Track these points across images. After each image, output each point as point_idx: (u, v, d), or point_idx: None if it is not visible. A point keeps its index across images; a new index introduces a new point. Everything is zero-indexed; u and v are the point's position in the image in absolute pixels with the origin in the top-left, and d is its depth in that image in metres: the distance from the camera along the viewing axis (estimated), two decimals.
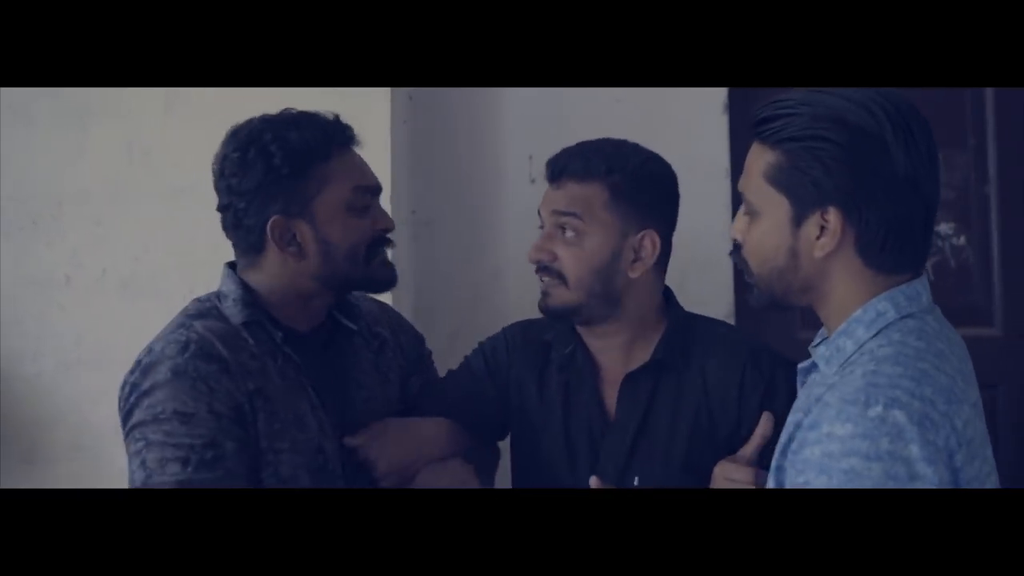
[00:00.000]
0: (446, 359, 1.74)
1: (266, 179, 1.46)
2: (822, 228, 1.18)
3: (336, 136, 1.50)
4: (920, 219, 1.20)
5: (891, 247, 1.20)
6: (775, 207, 1.22)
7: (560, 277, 1.48)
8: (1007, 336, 2.47)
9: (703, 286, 2.12)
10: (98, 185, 2.09)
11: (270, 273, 1.50)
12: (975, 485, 1.16)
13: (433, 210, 2.26)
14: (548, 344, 1.59)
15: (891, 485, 1.09)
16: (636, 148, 1.55)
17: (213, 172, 1.53)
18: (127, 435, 1.45)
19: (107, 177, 2.09)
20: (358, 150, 1.56)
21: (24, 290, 2.10)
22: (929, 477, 1.08)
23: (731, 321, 2.20)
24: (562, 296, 1.48)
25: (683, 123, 2.26)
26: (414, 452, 1.51)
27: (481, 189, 2.31)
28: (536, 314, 1.65)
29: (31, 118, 2.09)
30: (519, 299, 2.12)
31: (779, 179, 1.21)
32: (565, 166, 1.52)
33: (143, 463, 1.39)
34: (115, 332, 2.08)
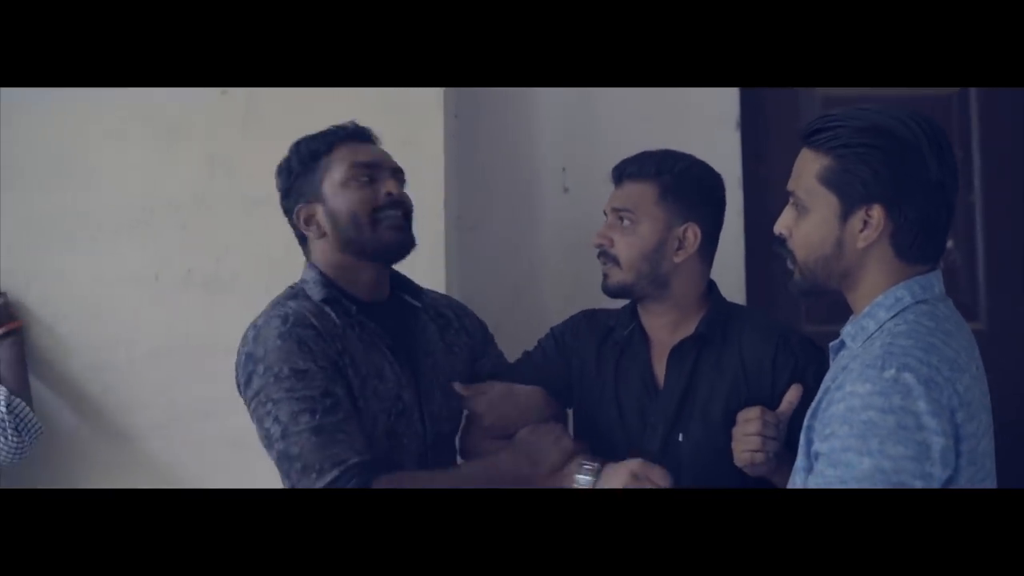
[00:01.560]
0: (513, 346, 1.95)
1: (288, 181, 1.74)
2: (865, 222, 1.37)
3: (339, 133, 1.73)
4: (944, 218, 1.39)
5: (920, 241, 1.39)
6: (825, 204, 1.41)
7: (615, 261, 1.73)
8: (991, 329, 2.59)
9: (719, 282, 2.28)
10: (184, 195, 2.26)
11: (319, 256, 1.74)
12: (973, 441, 1.33)
13: (477, 216, 2.41)
14: (610, 327, 1.81)
15: (902, 435, 1.26)
16: (684, 156, 1.78)
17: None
18: (251, 400, 1.64)
19: (192, 188, 2.26)
20: (411, 156, 1.77)
21: (120, 286, 2.27)
22: (933, 427, 1.26)
23: None
24: (617, 276, 1.73)
25: (701, 140, 2.30)
26: (515, 412, 1.73)
27: (520, 198, 2.47)
28: (567, 308, 1.89)
29: (125, 136, 2.27)
30: (553, 295, 2.33)
31: (831, 179, 1.40)
32: (624, 169, 1.77)
33: (277, 419, 1.58)
34: (198, 323, 2.27)
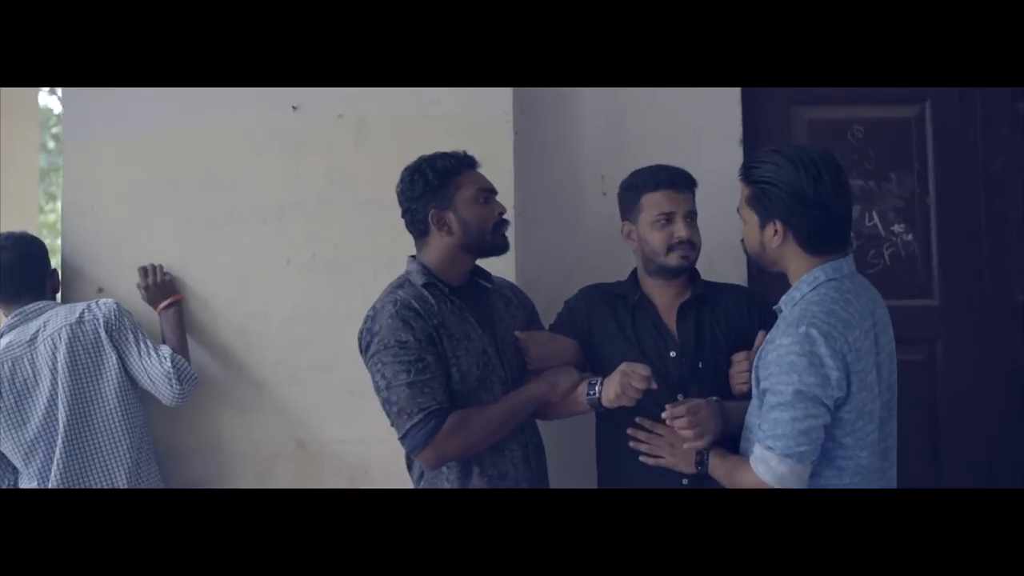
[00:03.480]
0: (545, 320, 2.37)
1: (425, 189, 2.11)
2: (775, 231, 1.85)
3: (463, 160, 2.16)
4: (832, 224, 1.83)
5: (815, 240, 1.84)
6: (751, 218, 1.92)
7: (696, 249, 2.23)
8: (942, 305, 2.93)
9: (725, 267, 2.59)
10: (310, 197, 2.61)
11: (434, 248, 2.14)
12: (862, 375, 1.76)
13: (534, 212, 2.69)
14: (616, 294, 2.29)
15: (811, 370, 1.72)
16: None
17: (397, 194, 2.18)
18: (368, 360, 2.07)
19: (315, 191, 2.61)
20: (486, 169, 2.18)
21: (258, 268, 2.62)
22: (831, 365, 1.73)
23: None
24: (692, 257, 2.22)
25: (711, 154, 2.73)
26: (553, 355, 2.20)
27: (568, 199, 2.78)
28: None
29: (264, 150, 2.62)
30: (594, 278, 2.48)
31: (752, 203, 1.91)
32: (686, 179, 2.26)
33: (383, 375, 2.03)
34: (320, 298, 2.60)
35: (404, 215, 2.18)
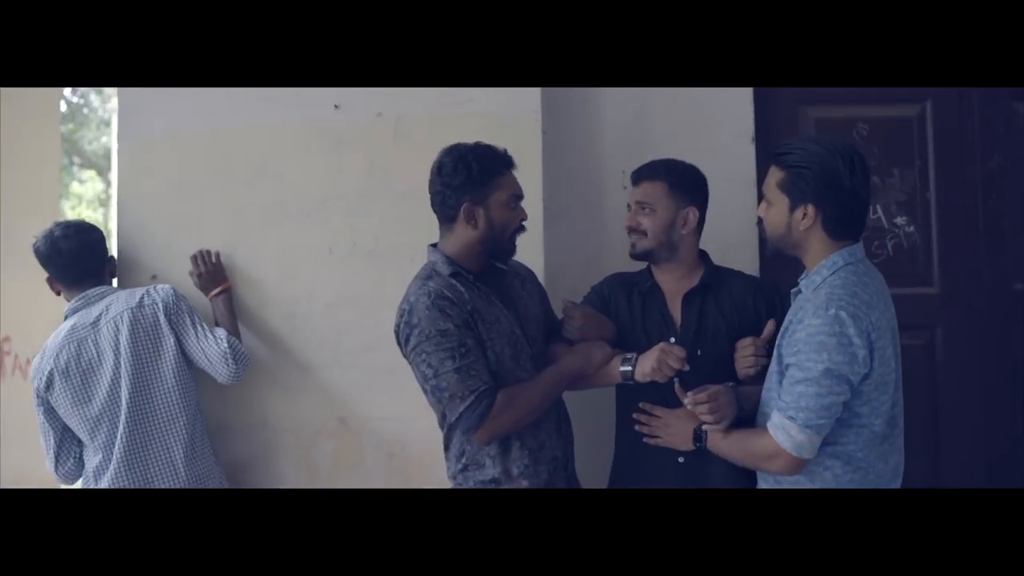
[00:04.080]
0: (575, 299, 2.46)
1: (467, 179, 2.16)
2: (804, 214, 1.96)
3: (505, 160, 2.23)
4: (857, 211, 1.96)
5: (841, 225, 1.96)
6: (781, 201, 2.02)
7: (643, 234, 2.34)
8: (941, 293, 3.07)
9: (737, 256, 2.69)
10: (350, 190, 2.75)
11: (457, 237, 2.19)
12: (881, 351, 1.88)
13: (560, 205, 2.83)
14: (633, 282, 2.42)
15: (840, 348, 1.83)
16: (682, 162, 2.37)
17: (432, 171, 2.22)
18: (410, 353, 2.13)
19: (356, 184, 2.75)
20: (520, 171, 2.25)
21: (302, 256, 2.75)
22: (858, 344, 1.85)
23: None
24: (642, 243, 2.33)
25: (724, 151, 2.88)
26: (591, 328, 2.31)
27: (590, 192, 2.92)
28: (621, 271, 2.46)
29: (308, 147, 2.75)
30: (615, 266, 2.61)
31: (784, 186, 2.01)
32: (641, 173, 2.39)
33: (429, 364, 2.09)
34: (361, 284, 2.74)
35: (435, 196, 2.22)
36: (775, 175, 2.03)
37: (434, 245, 2.28)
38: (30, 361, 6.15)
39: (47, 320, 6.57)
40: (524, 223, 2.25)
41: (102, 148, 15.22)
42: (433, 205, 2.24)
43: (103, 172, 15.51)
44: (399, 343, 2.19)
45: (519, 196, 2.24)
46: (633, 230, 2.37)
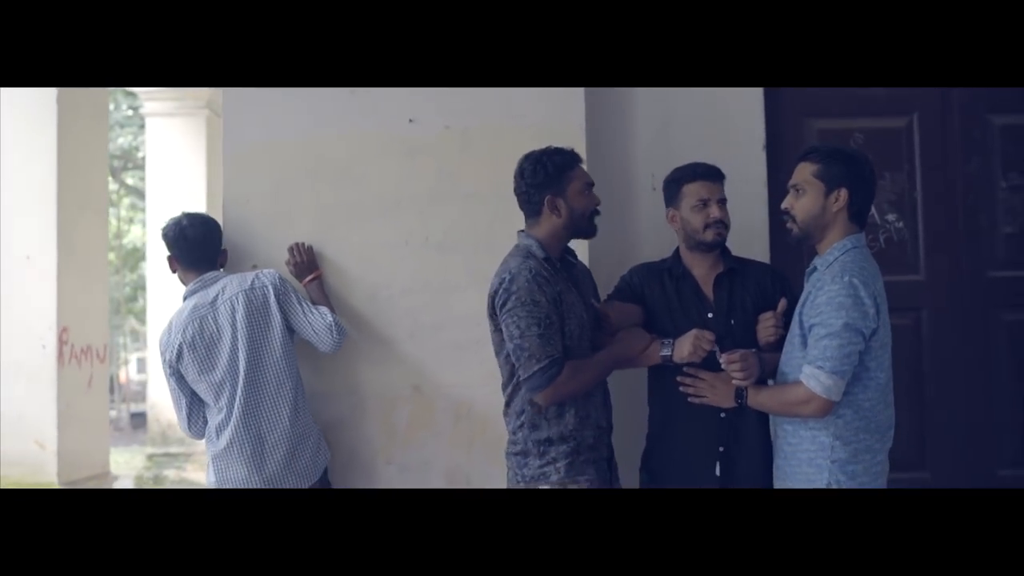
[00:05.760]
0: (608, 288, 2.84)
1: (545, 177, 2.50)
2: (837, 197, 2.33)
3: (574, 156, 2.59)
4: (869, 203, 2.36)
5: (860, 213, 2.35)
6: (816, 188, 2.37)
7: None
8: (926, 280, 3.40)
9: (751, 247, 3.03)
10: (422, 191, 3.11)
11: (544, 226, 2.53)
12: (885, 315, 2.28)
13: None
14: (665, 269, 2.77)
15: (856, 306, 2.20)
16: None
17: (515, 176, 2.56)
18: (504, 314, 2.42)
19: (427, 187, 3.12)
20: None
21: (381, 248, 3.12)
22: (869, 303, 2.24)
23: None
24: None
25: (739, 158, 3.21)
26: (624, 318, 2.70)
27: (623, 193, 3.25)
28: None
29: (385, 154, 3.12)
30: (645, 257, 2.94)
31: (820, 175, 2.37)
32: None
33: (518, 326, 2.41)
34: (433, 272, 3.10)
35: (521, 196, 2.55)
36: (809, 168, 2.38)
37: (524, 231, 2.59)
38: (84, 351, 6.60)
39: (99, 313, 7.05)
40: (598, 206, 2.58)
41: (118, 149, 15.47)
42: (520, 203, 2.57)
43: (116, 173, 15.77)
44: (492, 305, 2.48)
45: (590, 184, 2.57)
46: (718, 221, 2.67)
